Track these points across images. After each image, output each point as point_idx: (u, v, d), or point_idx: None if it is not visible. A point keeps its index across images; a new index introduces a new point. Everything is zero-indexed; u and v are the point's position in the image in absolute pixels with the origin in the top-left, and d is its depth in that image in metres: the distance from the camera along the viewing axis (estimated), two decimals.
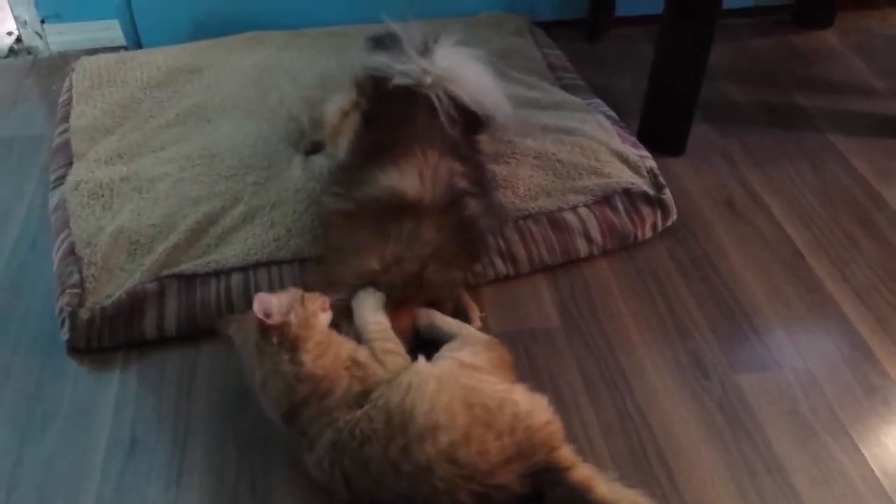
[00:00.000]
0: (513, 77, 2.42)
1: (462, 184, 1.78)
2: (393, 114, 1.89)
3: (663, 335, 1.75)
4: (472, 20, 2.69)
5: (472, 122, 1.96)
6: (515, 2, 2.81)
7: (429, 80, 1.91)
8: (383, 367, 1.45)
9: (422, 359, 1.47)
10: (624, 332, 1.75)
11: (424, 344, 1.57)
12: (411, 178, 1.71)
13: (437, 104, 1.88)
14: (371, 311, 1.56)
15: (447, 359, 1.50)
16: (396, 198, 1.68)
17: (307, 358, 1.41)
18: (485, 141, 2.04)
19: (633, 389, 1.62)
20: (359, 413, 1.37)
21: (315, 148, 2.12)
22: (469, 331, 1.61)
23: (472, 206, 1.77)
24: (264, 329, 1.41)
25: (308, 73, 2.41)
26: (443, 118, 1.87)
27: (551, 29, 2.74)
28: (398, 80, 1.91)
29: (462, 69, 1.96)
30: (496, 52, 2.52)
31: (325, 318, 1.48)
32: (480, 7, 2.77)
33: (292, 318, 1.42)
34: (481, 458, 1.33)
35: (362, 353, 1.47)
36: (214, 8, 2.64)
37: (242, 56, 2.53)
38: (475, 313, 1.74)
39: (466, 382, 1.41)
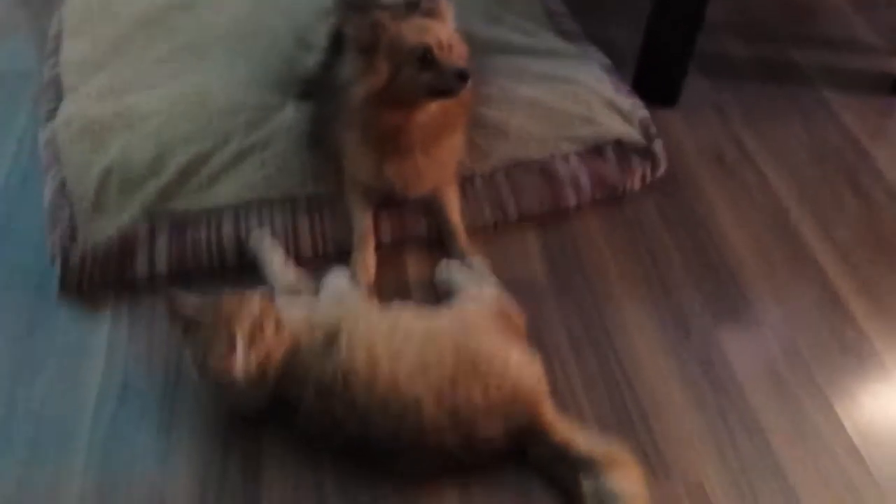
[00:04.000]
0: (509, 23, 2.39)
1: None
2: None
3: (648, 290, 1.77)
4: None
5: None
6: None
7: None
8: (338, 312, 1.51)
9: (400, 306, 1.54)
10: (609, 285, 1.78)
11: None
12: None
13: None
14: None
15: (452, 311, 1.55)
16: None
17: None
18: None
19: (615, 343, 1.66)
20: (334, 357, 1.41)
21: (307, 92, 2.09)
22: (481, 290, 1.64)
23: None
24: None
25: (303, 12, 2.35)
26: None
27: None
28: None
29: None
30: None
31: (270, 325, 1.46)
32: None
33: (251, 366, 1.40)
34: (467, 403, 1.38)
35: (317, 308, 1.54)
36: None
37: None
38: (477, 257, 1.77)
39: (460, 333, 1.46)
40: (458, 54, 1.67)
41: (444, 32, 1.66)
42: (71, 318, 1.70)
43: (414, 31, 1.65)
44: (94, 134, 1.96)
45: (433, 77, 1.63)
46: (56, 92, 2.12)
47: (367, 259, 1.77)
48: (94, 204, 1.81)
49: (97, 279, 1.75)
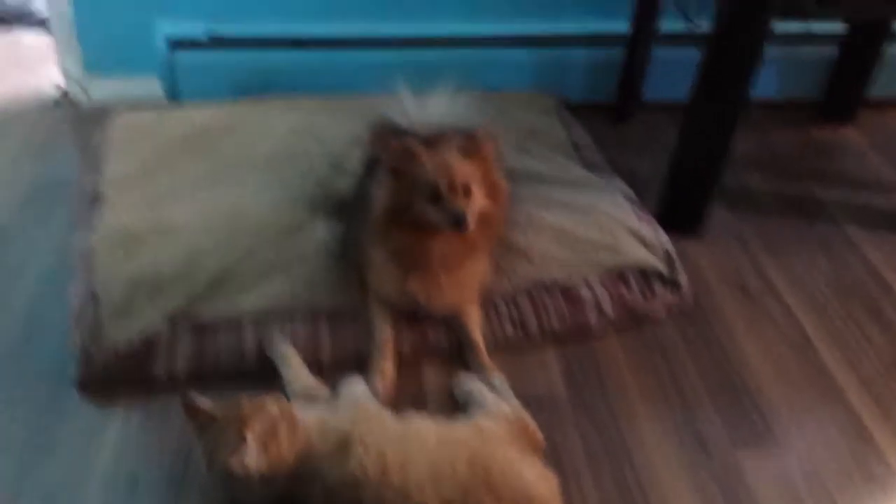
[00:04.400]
0: (537, 153, 2.48)
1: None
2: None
3: (668, 411, 1.75)
4: (502, 97, 2.73)
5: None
6: (546, 81, 2.87)
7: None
8: (352, 417, 1.51)
9: (414, 416, 1.54)
10: (629, 405, 1.76)
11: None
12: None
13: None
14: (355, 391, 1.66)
15: (468, 423, 1.54)
16: None
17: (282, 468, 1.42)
18: None
19: (634, 463, 1.62)
20: (346, 461, 1.40)
21: (337, 212, 2.15)
22: (500, 404, 1.64)
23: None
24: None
25: (338, 139, 2.45)
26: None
27: (579, 110, 2.79)
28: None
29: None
30: (523, 130, 2.59)
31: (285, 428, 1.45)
32: (511, 85, 2.84)
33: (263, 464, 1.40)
34: None
35: (332, 413, 1.54)
36: (251, 71, 2.73)
37: (276, 118, 2.60)
38: (497, 374, 1.77)
39: (475, 445, 1.45)
40: (478, 195, 1.72)
41: (463, 173, 1.71)
42: (85, 410, 1.72)
43: (434, 166, 1.71)
44: (126, 244, 2.01)
45: (437, 212, 1.70)
46: (94, 202, 2.20)
47: (386, 368, 1.78)
48: (119, 309, 1.84)
49: (116, 380, 1.76)
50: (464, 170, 1.72)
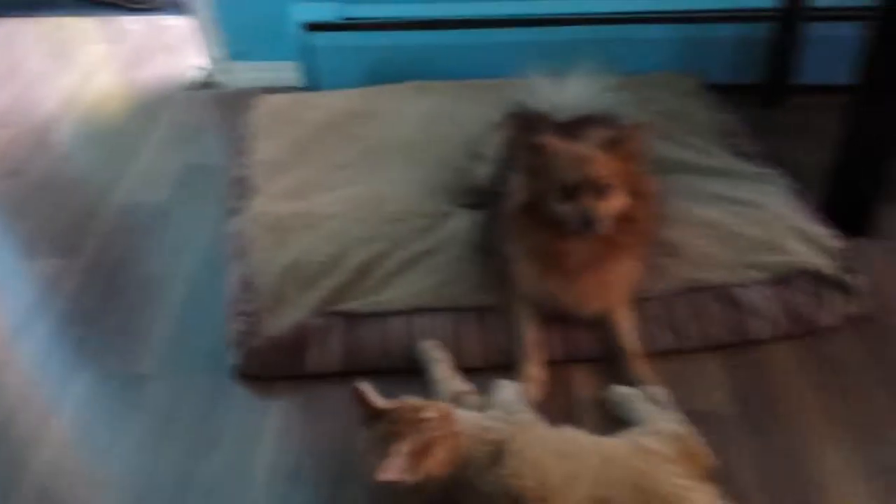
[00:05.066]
0: (682, 141, 2.34)
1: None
2: None
3: (849, 436, 1.60)
4: (642, 79, 2.60)
5: None
6: (688, 62, 2.73)
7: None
8: (507, 427, 1.44)
9: (572, 429, 1.47)
10: (804, 425, 1.62)
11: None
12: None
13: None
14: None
15: (632, 443, 1.44)
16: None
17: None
18: None
19: (810, 494, 1.48)
20: (503, 472, 1.34)
21: (476, 202, 2.08)
22: (664, 420, 1.54)
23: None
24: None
25: (476, 125, 2.35)
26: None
27: (725, 92, 2.61)
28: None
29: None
30: (666, 115, 2.45)
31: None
32: (652, 66, 2.70)
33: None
34: None
35: (486, 419, 1.47)
36: (386, 55, 2.73)
37: (412, 103, 2.58)
38: (656, 386, 1.67)
39: (640, 466, 1.37)
40: (619, 194, 1.61)
41: (601, 169, 1.60)
42: (247, 401, 1.75)
43: (569, 162, 1.61)
44: (277, 232, 2.03)
45: (569, 212, 1.60)
46: (245, 189, 2.22)
47: (533, 372, 1.70)
48: (273, 298, 1.86)
49: (272, 369, 1.78)
50: (603, 166, 1.61)
